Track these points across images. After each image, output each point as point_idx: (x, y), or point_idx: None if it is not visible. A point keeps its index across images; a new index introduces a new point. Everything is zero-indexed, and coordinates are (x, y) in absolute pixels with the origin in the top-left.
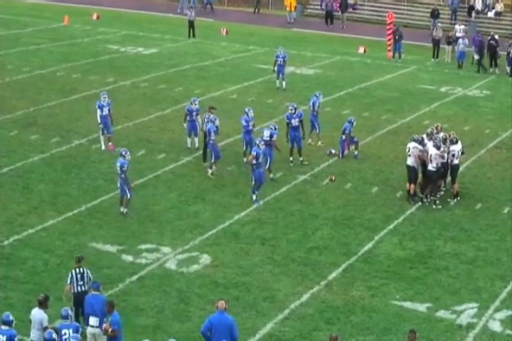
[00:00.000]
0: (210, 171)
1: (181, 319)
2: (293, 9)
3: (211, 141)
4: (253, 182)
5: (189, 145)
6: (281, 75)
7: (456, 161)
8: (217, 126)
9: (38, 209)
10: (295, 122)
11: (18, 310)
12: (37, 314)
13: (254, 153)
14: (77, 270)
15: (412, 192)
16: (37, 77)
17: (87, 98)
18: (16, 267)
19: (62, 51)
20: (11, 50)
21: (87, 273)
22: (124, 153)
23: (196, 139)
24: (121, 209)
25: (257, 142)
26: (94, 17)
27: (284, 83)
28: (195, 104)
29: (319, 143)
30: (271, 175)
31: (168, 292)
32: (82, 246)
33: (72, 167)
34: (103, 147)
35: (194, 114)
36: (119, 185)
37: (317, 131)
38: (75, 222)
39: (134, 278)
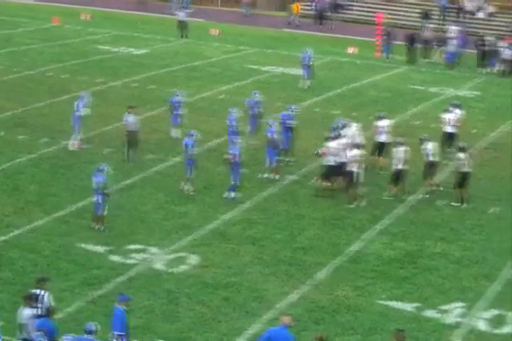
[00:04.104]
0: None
1: (170, 319)
2: (296, 12)
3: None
4: (232, 181)
5: (173, 134)
6: (307, 75)
7: (431, 158)
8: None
9: (24, 209)
10: (289, 123)
11: (7, 312)
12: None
13: (235, 153)
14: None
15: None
16: (26, 78)
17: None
18: (5, 268)
19: (52, 51)
20: (1, 51)
21: (45, 296)
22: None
23: (179, 130)
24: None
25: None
26: (86, 17)
27: (309, 82)
28: (177, 96)
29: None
30: (265, 175)
31: (156, 292)
32: (70, 246)
33: (59, 167)
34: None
35: (177, 105)
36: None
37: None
38: (63, 222)
39: (123, 278)
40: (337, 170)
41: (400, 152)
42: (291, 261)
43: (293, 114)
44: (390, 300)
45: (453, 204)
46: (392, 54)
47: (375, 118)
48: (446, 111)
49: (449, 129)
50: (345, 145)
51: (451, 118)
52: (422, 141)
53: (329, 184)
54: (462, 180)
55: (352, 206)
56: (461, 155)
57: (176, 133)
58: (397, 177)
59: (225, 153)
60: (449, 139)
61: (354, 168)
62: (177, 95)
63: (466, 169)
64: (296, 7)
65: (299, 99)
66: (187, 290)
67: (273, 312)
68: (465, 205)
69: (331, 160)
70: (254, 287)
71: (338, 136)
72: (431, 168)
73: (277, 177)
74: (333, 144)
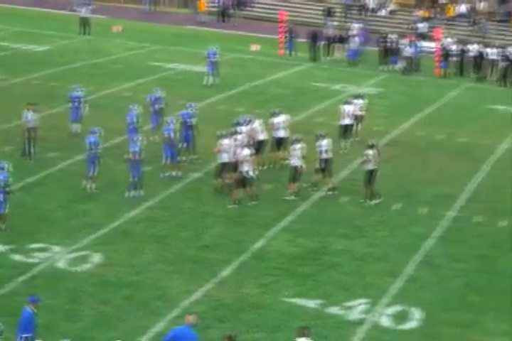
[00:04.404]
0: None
1: (73, 318)
2: (203, 10)
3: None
4: (132, 179)
5: (73, 129)
6: (212, 72)
7: (325, 155)
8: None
9: None
10: (190, 121)
11: None
12: None
13: (136, 150)
14: None
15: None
16: None
17: None
18: None
19: None
20: None
21: None
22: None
23: (79, 125)
24: None
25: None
26: None
27: (214, 79)
28: (77, 91)
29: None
30: (166, 174)
31: (59, 291)
32: None
33: None
34: None
35: (76, 101)
36: None
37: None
38: None
39: (25, 277)
40: (232, 167)
41: (297, 149)
42: (195, 259)
43: (193, 113)
44: (294, 298)
45: (361, 201)
46: (295, 51)
47: (270, 115)
48: (346, 102)
49: (346, 121)
50: (239, 142)
51: (350, 109)
52: (317, 137)
53: (224, 181)
54: (370, 176)
55: (254, 203)
56: (370, 152)
57: (76, 128)
58: (295, 174)
59: (126, 151)
60: (346, 131)
61: (245, 167)
62: (77, 90)
63: (373, 166)
64: (202, 4)
65: (203, 97)
66: (90, 288)
67: (177, 310)
68: (370, 202)
69: (224, 158)
70: (158, 285)
71: (234, 133)
72: (325, 164)
73: (179, 174)
74: (226, 141)
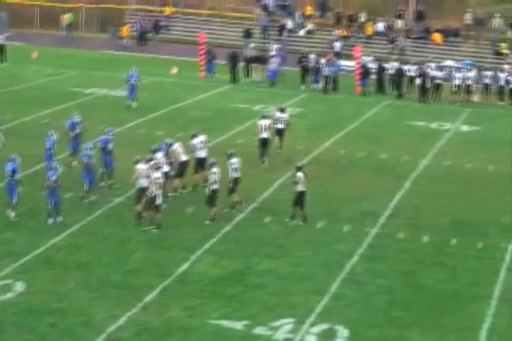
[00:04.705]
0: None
1: None
2: (127, 35)
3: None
4: (50, 206)
5: None
6: (132, 95)
7: (235, 174)
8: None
9: None
10: (109, 146)
11: None
12: None
13: (53, 178)
14: None
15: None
16: None
17: None
18: None
19: None
20: None
21: None
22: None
23: None
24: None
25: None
26: None
27: (134, 103)
28: None
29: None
30: (86, 200)
31: None
32: None
33: None
34: None
35: None
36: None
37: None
38: None
39: None
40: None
41: (213, 173)
42: (119, 284)
43: (110, 138)
44: (220, 319)
45: (286, 220)
46: (215, 73)
47: (189, 138)
48: (262, 117)
49: (263, 135)
50: (151, 166)
51: (266, 124)
52: (228, 156)
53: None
54: (299, 198)
55: (150, 228)
56: (299, 174)
57: None
58: (213, 197)
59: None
60: (264, 145)
61: (156, 191)
62: None
63: (302, 188)
64: (126, 29)
65: (123, 121)
66: (13, 317)
67: (102, 336)
68: (295, 222)
69: (142, 183)
70: (82, 311)
71: (150, 159)
72: (234, 183)
73: (95, 198)
74: (141, 166)
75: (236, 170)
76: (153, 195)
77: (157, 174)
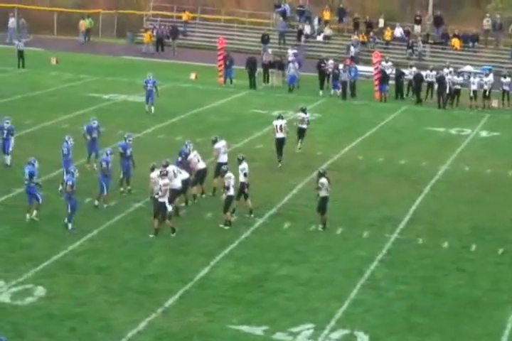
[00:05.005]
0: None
1: None
2: (150, 41)
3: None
4: (69, 211)
5: (7, 162)
6: (150, 100)
7: (243, 179)
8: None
9: None
10: (129, 152)
11: None
12: None
13: (70, 183)
14: None
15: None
16: None
17: None
18: None
19: None
20: None
21: None
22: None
23: (8, 157)
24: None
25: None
26: None
27: (152, 108)
28: (7, 122)
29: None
30: (105, 205)
31: (2, 326)
32: None
33: None
34: None
35: (6, 132)
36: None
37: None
38: None
39: None
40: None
41: (227, 179)
42: (140, 289)
43: (130, 143)
44: (240, 325)
45: (320, 228)
46: (233, 79)
47: (211, 143)
48: (277, 118)
49: (279, 135)
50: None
51: (282, 124)
52: (238, 161)
53: None
54: (322, 203)
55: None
56: (323, 180)
57: (8, 160)
58: (228, 204)
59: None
60: (279, 145)
61: (163, 198)
62: (7, 122)
63: (325, 193)
64: (149, 36)
65: (143, 126)
66: (33, 322)
67: None
68: (314, 227)
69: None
70: (102, 316)
71: (165, 165)
72: (246, 188)
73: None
74: (154, 174)
75: (246, 175)
76: (161, 201)
77: (164, 181)
